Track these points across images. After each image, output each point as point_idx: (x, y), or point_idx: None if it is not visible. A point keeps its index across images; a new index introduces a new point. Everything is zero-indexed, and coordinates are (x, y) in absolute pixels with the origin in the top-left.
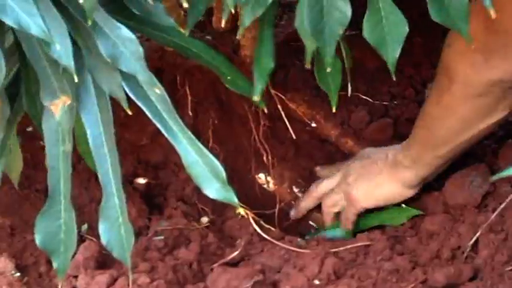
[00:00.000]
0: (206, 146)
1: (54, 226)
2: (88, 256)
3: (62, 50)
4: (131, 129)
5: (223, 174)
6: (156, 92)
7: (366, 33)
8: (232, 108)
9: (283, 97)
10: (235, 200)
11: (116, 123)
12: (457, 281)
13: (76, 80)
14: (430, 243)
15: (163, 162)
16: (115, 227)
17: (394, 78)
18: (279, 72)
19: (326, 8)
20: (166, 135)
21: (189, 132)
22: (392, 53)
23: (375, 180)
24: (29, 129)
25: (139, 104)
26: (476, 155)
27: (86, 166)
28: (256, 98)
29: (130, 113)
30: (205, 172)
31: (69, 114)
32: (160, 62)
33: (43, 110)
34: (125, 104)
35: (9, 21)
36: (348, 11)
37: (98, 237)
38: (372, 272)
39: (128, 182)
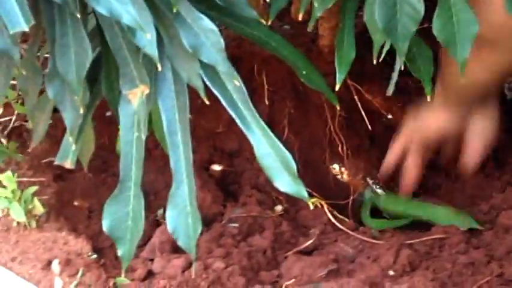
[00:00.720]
0: (281, 136)
1: (123, 212)
2: (164, 240)
3: (148, 39)
4: (207, 116)
5: (295, 167)
6: (235, 83)
7: (436, 31)
8: (309, 98)
9: (359, 88)
10: (305, 194)
11: (192, 111)
12: None
13: (160, 69)
14: (506, 237)
15: (238, 150)
16: (182, 215)
17: (464, 79)
18: (356, 63)
19: (399, 4)
20: (240, 125)
21: (263, 124)
22: (462, 53)
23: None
24: (108, 114)
25: (216, 92)
26: None
27: (162, 152)
28: (337, 87)
29: (207, 102)
30: (277, 164)
31: (146, 103)
32: (238, 51)
33: (120, 96)
34: (202, 93)
35: (100, 9)
36: (421, 7)
37: None
38: (447, 264)
39: (203, 168)
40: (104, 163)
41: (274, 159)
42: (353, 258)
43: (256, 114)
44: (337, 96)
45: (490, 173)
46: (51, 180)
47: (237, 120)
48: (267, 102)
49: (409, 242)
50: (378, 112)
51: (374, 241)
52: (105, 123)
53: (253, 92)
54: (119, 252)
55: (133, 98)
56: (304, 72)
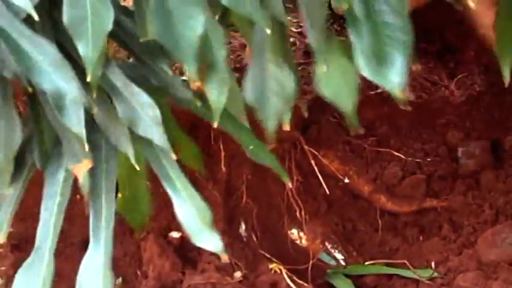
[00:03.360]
0: (240, 202)
1: (34, 283)
2: None
3: (76, 118)
4: None
5: (211, 217)
6: (171, 157)
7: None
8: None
9: (316, 153)
10: (221, 247)
11: (151, 179)
12: None
13: (87, 148)
14: None
15: None
16: (96, 282)
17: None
18: (312, 128)
19: (268, 81)
20: (164, 184)
21: (188, 183)
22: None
23: None
24: None
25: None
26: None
27: (121, 220)
28: None
29: (138, 168)
30: (196, 221)
31: (91, 176)
32: (195, 118)
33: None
34: (132, 158)
35: (45, 86)
36: (291, 84)
37: None
38: None
39: (162, 236)
40: (62, 233)
41: (195, 217)
42: None
43: (182, 173)
44: (294, 161)
45: (446, 235)
46: (8, 251)
47: (161, 179)
48: (224, 169)
49: None
50: (335, 176)
51: None
52: None
53: (210, 158)
54: None
55: (79, 173)
56: (251, 148)
